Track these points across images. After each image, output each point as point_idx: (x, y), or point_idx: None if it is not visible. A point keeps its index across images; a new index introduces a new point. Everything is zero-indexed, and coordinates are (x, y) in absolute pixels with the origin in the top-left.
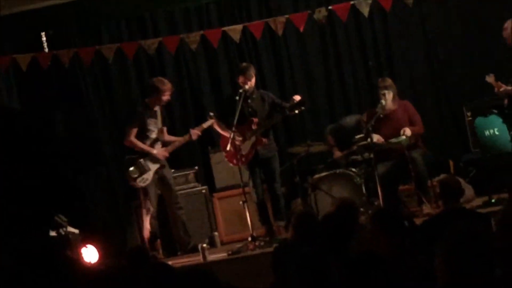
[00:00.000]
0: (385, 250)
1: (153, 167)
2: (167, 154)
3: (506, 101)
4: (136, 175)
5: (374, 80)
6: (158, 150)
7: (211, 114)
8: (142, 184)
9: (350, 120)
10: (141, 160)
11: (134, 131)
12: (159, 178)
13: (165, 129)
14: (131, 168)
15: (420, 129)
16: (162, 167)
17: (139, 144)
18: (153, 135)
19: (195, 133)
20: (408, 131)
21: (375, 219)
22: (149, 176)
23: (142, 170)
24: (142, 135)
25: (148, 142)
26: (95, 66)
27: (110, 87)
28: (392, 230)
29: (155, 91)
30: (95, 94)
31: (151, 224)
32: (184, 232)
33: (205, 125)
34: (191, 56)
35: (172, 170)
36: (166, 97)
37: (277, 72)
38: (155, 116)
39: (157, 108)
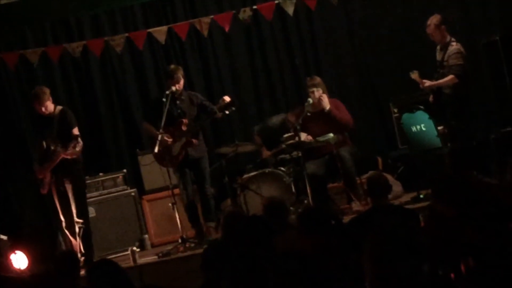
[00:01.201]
0: (311, 248)
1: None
2: (42, 175)
3: (431, 97)
4: (40, 184)
5: (301, 78)
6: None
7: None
8: (43, 191)
9: (276, 119)
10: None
11: (39, 142)
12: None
13: (75, 130)
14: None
15: (349, 120)
16: (52, 175)
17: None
18: (52, 147)
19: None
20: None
21: (300, 219)
22: (46, 185)
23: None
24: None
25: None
26: (20, 71)
27: None
28: (317, 229)
29: (34, 100)
30: (21, 99)
31: (70, 234)
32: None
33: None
34: (117, 59)
35: (100, 174)
36: (44, 108)
37: (204, 73)
38: (51, 125)
39: (49, 114)
